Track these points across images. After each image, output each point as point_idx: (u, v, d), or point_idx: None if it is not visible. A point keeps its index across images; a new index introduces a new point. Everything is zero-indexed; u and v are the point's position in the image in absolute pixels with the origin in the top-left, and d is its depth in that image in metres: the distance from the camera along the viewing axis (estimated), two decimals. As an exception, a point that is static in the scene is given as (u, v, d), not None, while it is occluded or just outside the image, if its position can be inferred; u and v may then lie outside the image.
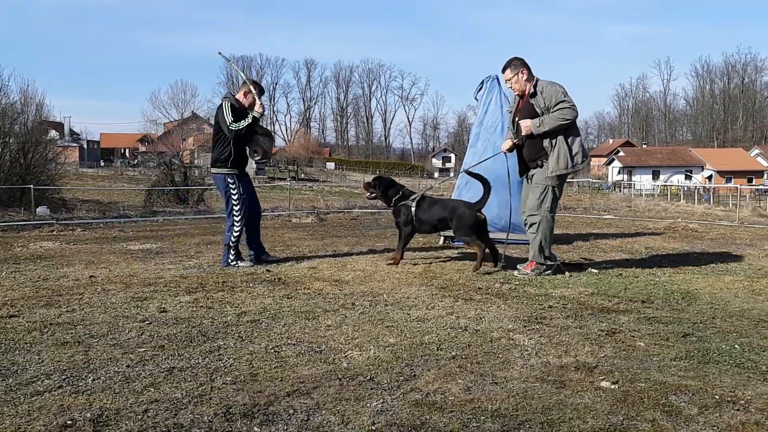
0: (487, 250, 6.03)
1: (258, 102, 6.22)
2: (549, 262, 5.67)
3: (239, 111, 6.10)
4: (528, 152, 5.77)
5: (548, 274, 5.62)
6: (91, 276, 5.53)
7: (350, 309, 4.36)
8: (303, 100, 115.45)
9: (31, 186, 16.36)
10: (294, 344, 3.53)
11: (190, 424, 2.47)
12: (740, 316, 4.32)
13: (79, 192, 26.86)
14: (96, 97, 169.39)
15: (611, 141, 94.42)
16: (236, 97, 6.25)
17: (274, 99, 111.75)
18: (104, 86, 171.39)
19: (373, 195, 6.54)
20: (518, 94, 5.79)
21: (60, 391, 2.79)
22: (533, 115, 5.61)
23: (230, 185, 6.14)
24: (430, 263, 6.40)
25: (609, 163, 75.02)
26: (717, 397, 2.81)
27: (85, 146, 74.94)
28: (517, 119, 5.77)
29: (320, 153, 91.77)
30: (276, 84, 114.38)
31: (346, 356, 3.33)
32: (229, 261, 6.07)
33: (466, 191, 8.20)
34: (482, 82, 8.43)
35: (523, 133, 5.70)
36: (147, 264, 6.28)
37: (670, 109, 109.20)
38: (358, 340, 3.62)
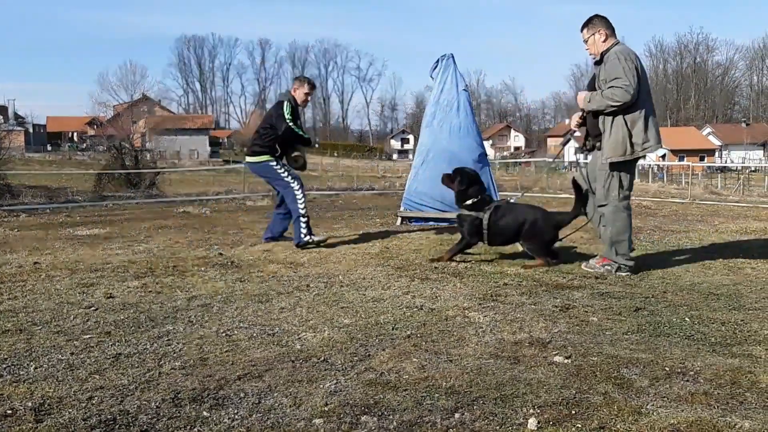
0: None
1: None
2: (625, 262, 4.85)
3: (297, 112, 6.24)
4: (589, 126, 5.12)
5: (622, 274, 4.81)
6: (36, 262, 5.32)
7: (305, 291, 4.30)
8: (258, 81, 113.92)
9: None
10: (246, 327, 3.46)
11: (137, 410, 2.39)
12: (691, 290, 4.40)
13: (25, 178, 25.97)
14: (42, 80, 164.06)
15: (567, 121, 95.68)
16: (291, 92, 6.28)
17: (227, 80, 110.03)
18: (50, 68, 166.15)
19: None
20: (595, 56, 4.96)
21: (0, 381, 2.67)
22: (596, 86, 4.93)
23: (275, 168, 6.17)
24: (387, 244, 6.37)
25: (566, 143, 76.00)
26: (667, 369, 2.85)
27: (31, 130, 72.58)
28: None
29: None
30: (230, 65, 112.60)
31: (299, 338, 3.28)
32: (302, 236, 6.05)
33: (423, 171, 8.18)
34: (437, 61, 8.37)
35: (579, 105, 5.06)
36: (94, 249, 6.09)
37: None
38: (313, 322, 3.56)
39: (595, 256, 5.22)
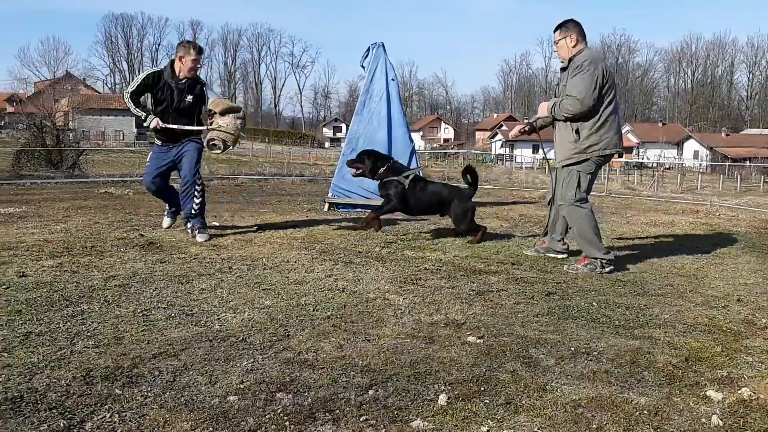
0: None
1: (155, 120, 5.42)
2: (603, 256, 4.84)
3: (150, 82, 5.44)
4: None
5: (606, 272, 4.80)
6: (-58, 240, 5.08)
7: (227, 273, 4.28)
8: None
9: None
10: (164, 308, 3.42)
11: (46, 388, 2.35)
12: (599, 276, 4.63)
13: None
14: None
15: (495, 115, 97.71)
16: (176, 57, 5.49)
17: (156, 61, 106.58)
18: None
19: (360, 171, 5.92)
20: (563, 60, 5.01)
21: None
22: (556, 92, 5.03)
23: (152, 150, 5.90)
24: (313, 229, 6.38)
25: (492, 137, 77.62)
26: (573, 349, 3.01)
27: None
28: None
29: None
30: (159, 45, 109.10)
31: (219, 319, 3.28)
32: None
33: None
34: (368, 49, 8.42)
35: (537, 115, 5.18)
36: (8, 228, 5.85)
37: (551, 86, 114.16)
38: (233, 303, 3.56)
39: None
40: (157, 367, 2.58)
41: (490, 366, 2.74)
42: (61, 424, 2.09)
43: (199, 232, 5.56)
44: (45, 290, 3.65)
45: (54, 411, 2.18)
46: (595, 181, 5.31)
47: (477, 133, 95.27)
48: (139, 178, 14.41)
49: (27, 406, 2.21)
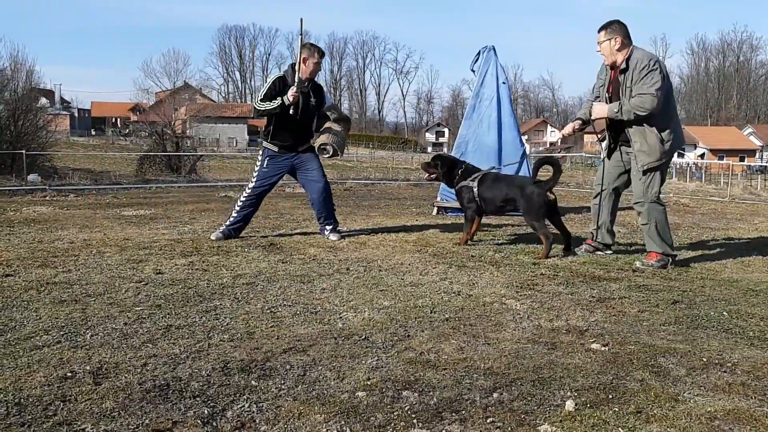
0: (557, 232, 5.46)
1: (293, 87, 5.37)
2: (672, 252, 4.97)
3: (278, 88, 5.47)
4: (615, 131, 5.24)
5: (672, 268, 4.89)
6: (86, 239, 5.53)
7: (345, 274, 4.40)
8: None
9: (23, 152, 16.27)
10: (290, 305, 3.57)
11: (189, 377, 2.51)
12: (729, 285, 4.39)
13: (70, 160, 26.72)
14: (87, 66, 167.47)
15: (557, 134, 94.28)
16: (300, 59, 5.52)
17: (266, 70, 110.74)
18: (96, 54, 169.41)
19: (434, 176, 5.89)
20: (608, 64, 5.04)
21: (59, 346, 2.82)
22: (620, 92, 4.98)
23: (258, 160, 5.79)
24: (424, 232, 6.44)
25: (603, 140, 74.86)
26: (704, 359, 2.87)
27: (76, 115, 74.28)
28: (607, 95, 5.11)
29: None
30: (269, 55, 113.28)
31: (341, 317, 3.38)
32: (223, 225, 5.81)
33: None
34: (479, 53, 8.39)
35: (592, 118, 5.18)
36: (141, 229, 6.29)
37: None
38: (353, 303, 3.66)
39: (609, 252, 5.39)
40: (288, 362, 2.71)
41: (617, 374, 2.67)
42: (205, 412, 2.23)
43: (332, 232, 5.82)
44: (180, 287, 3.90)
45: (197, 399, 2.33)
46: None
47: (585, 135, 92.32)
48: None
49: (173, 394, 2.37)
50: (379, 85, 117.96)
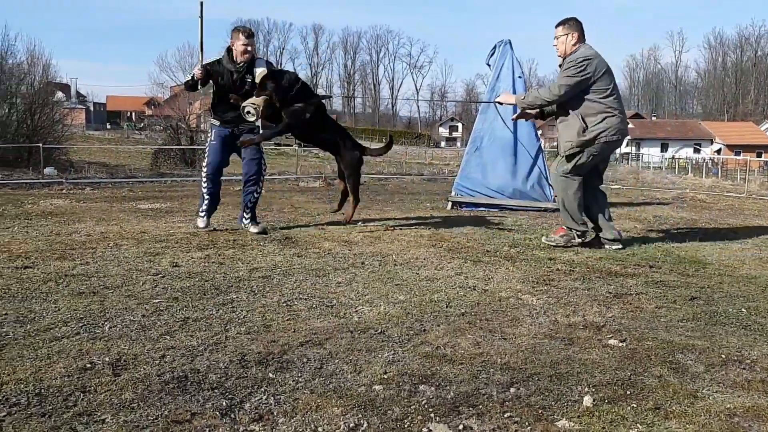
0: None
1: (198, 66, 5.66)
2: (579, 228, 5.34)
3: (214, 68, 5.67)
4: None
5: (578, 244, 5.33)
6: (103, 232, 5.58)
7: (360, 268, 4.40)
8: (310, 66, 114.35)
9: (40, 145, 16.41)
10: (305, 299, 3.58)
11: (207, 369, 2.53)
12: (747, 281, 4.34)
13: (86, 154, 26.90)
14: (102, 60, 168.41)
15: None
16: (230, 44, 5.70)
17: (280, 64, 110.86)
18: (110, 48, 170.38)
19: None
20: (561, 56, 5.41)
21: (78, 337, 2.85)
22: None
23: (209, 138, 5.92)
24: (439, 227, 6.43)
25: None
26: (723, 356, 2.85)
27: (92, 109, 74.70)
28: None
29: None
30: (283, 49, 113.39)
31: (356, 311, 3.38)
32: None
33: (476, 157, 8.21)
34: (495, 47, 8.36)
35: (498, 101, 5.87)
36: (157, 222, 6.33)
37: (681, 82, 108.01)
38: (369, 297, 3.66)
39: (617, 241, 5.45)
40: (305, 355, 2.71)
41: (635, 370, 2.65)
42: (223, 404, 2.24)
43: (252, 224, 5.80)
44: (197, 279, 3.93)
45: (215, 391, 2.34)
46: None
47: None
48: (269, 176, 15.09)
49: (192, 385, 2.39)
50: (393, 79, 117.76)
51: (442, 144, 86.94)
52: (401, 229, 6.21)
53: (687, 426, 2.19)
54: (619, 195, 12.62)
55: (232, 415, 2.16)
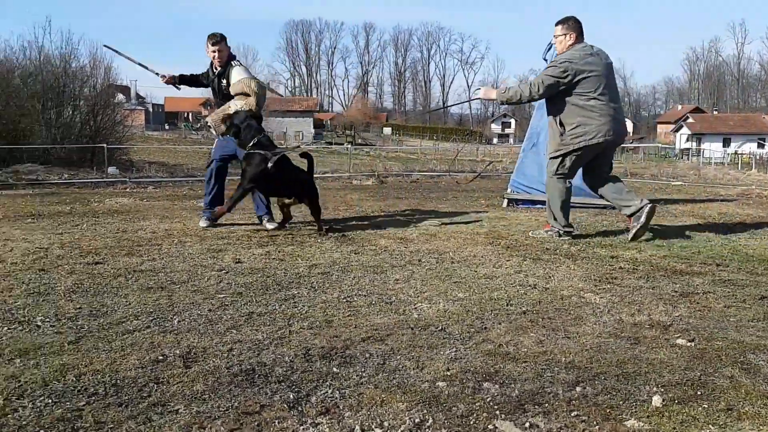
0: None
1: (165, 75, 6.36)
2: (562, 228, 5.51)
3: (205, 72, 6.17)
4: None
5: (561, 238, 5.45)
6: (167, 229, 5.74)
7: (417, 265, 4.41)
8: (361, 64, 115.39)
9: (105, 145, 16.97)
10: (365, 295, 3.61)
11: (273, 363, 2.58)
12: (821, 281, 4.17)
13: (145, 153, 27.70)
14: (159, 62, 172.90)
15: (680, 107, 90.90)
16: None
17: (332, 64, 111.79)
18: (167, 51, 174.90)
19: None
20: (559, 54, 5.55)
21: (149, 331, 2.95)
22: None
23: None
24: (495, 225, 6.39)
25: (677, 129, 72.35)
26: (798, 357, 2.75)
27: (151, 110, 76.87)
28: None
29: (377, 118, 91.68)
30: (334, 48, 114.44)
31: (416, 308, 3.39)
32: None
33: (532, 154, 8.10)
34: (550, 43, 8.21)
35: (480, 97, 6.04)
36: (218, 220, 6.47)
37: (744, 74, 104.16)
38: (427, 294, 3.67)
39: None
40: (367, 350, 2.74)
41: (704, 370, 2.58)
42: (290, 396, 2.29)
43: (268, 221, 5.96)
44: (259, 275, 4.01)
45: (282, 384, 2.39)
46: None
47: (659, 126, 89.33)
48: (322, 175, 15.28)
49: (259, 378, 2.44)
50: (444, 76, 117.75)
51: (494, 140, 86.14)
52: (457, 226, 6.19)
53: (761, 427, 2.12)
54: (681, 191, 12.28)
55: (300, 408, 2.20)
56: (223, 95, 5.91)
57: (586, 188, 7.76)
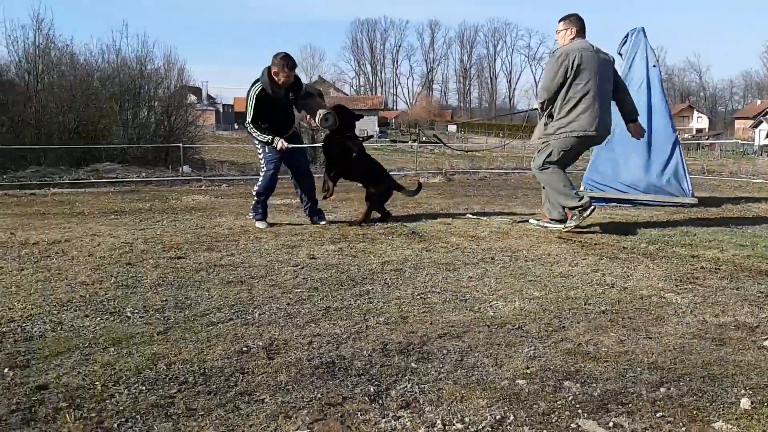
0: None
1: (281, 141, 5.81)
2: (559, 218, 5.57)
3: (263, 101, 5.73)
4: None
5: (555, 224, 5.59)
6: (243, 225, 5.91)
7: (490, 263, 4.40)
8: (426, 62, 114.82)
9: (180, 144, 17.56)
10: (438, 292, 3.63)
11: (352, 356, 2.63)
12: None
13: (215, 153, 28.47)
14: (229, 64, 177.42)
15: (759, 102, 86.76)
16: (272, 71, 5.70)
17: (397, 62, 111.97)
18: (236, 52, 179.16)
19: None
20: None
21: (231, 323, 3.05)
22: None
23: (258, 149, 6.07)
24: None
25: (756, 125, 69.07)
26: None
27: (221, 110, 78.90)
28: None
29: (442, 116, 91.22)
30: (399, 47, 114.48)
31: (491, 306, 3.39)
32: (251, 213, 6.05)
33: (606, 151, 7.92)
34: (627, 36, 8.02)
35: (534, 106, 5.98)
36: (290, 216, 6.63)
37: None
38: (502, 292, 3.65)
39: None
40: (444, 347, 2.76)
41: (797, 374, 2.48)
42: (371, 389, 2.33)
43: (320, 218, 6.07)
44: (333, 271, 4.08)
45: (362, 377, 2.44)
46: None
47: (736, 121, 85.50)
48: (390, 174, 15.32)
49: (339, 371, 2.49)
50: (510, 72, 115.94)
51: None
52: (529, 224, 6.11)
53: None
54: (762, 190, 11.75)
55: (380, 401, 2.24)
56: (286, 114, 6.00)
57: (663, 186, 7.57)
